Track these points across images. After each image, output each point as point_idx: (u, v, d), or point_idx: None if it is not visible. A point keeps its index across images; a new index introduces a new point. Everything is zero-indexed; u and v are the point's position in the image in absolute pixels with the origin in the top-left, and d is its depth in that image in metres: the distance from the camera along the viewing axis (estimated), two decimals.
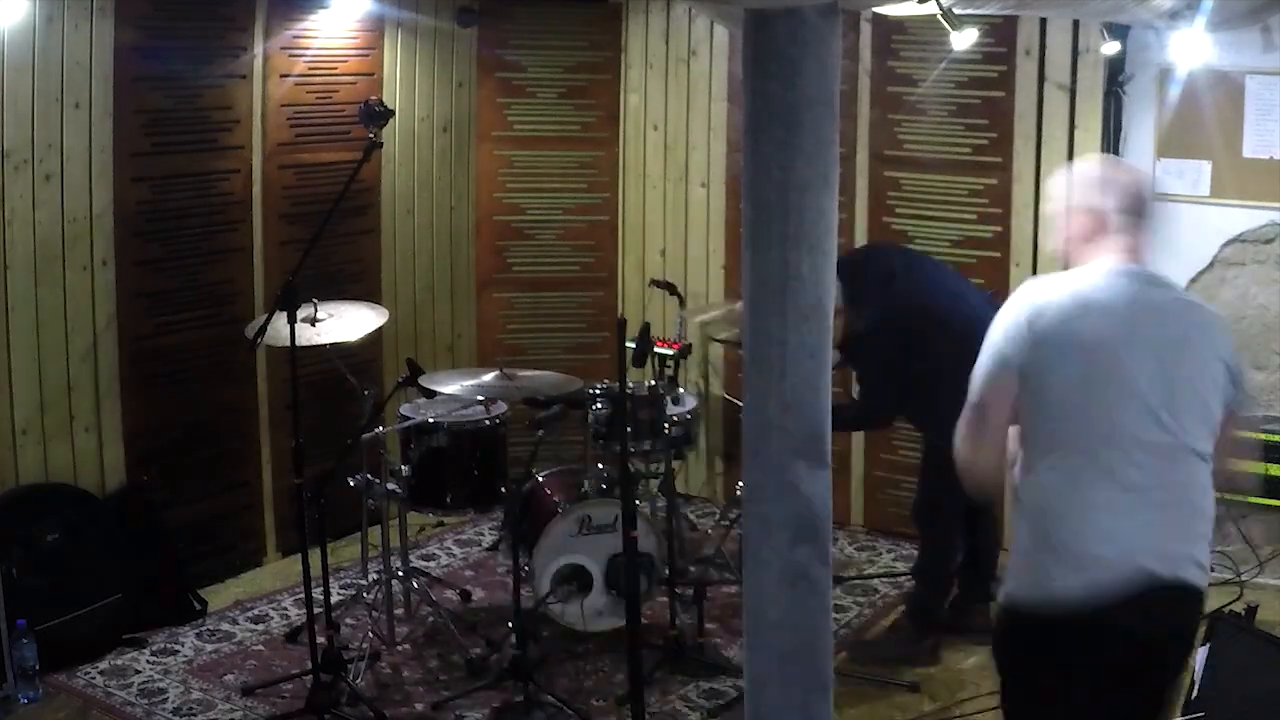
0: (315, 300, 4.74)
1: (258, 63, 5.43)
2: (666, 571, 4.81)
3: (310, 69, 5.65)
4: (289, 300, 4.19)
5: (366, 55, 5.90)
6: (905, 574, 5.37)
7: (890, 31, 5.75)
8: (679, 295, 5.57)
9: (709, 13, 5.70)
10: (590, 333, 6.57)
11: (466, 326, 6.48)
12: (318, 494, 4.29)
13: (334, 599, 4.79)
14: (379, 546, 4.96)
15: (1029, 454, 2.87)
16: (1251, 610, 4.72)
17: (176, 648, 4.89)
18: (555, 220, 6.52)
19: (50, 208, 4.82)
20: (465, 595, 5.36)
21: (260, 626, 5.10)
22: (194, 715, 4.42)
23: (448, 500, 4.90)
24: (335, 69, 5.77)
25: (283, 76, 5.54)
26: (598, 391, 5.01)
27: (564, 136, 6.51)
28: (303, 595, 4.44)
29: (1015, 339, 2.83)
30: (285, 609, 5.23)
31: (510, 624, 4.55)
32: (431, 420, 4.85)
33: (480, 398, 4.85)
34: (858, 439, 6.05)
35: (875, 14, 5.69)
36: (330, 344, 4.73)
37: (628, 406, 4.83)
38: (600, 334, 6.55)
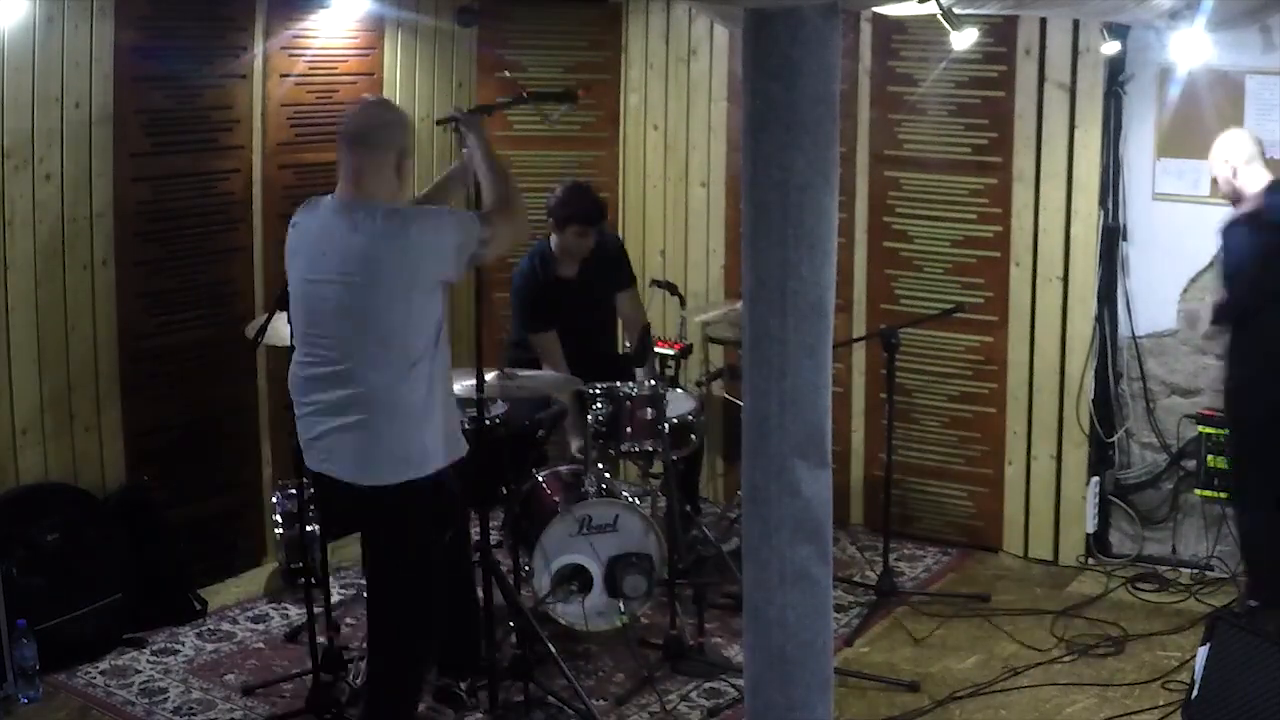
0: None
1: (258, 63, 5.43)
2: (666, 572, 4.82)
3: (310, 69, 5.65)
4: (289, 300, 4.18)
5: (366, 55, 5.90)
6: None
7: (890, 31, 5.75)
8: (679, 295, 5.57)
9: (709, 13, 5.71)
10: None
11: (467, 326, 6.48)
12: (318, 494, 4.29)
13: (334, 599, 4.79)
14: None
15: None
16: (1252, 610, 4.73)
17: (176, 648, 4.90)
18: None
19: (50, 208, 4.82)
20: None
21: (260, 626, 5.11)
22: (194, 715, 4.42)
23: None
24: (335, 69, 5.77)
25: (283, 76, 5.54)
26: (598, 391, 5.01)
27: (564, 136, 6.51)
28: (303, 595, 4.44)
29: None
30: (285, 609, 5.23)
31: (510, 624, 4.55)
32: None
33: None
34: (857, 439, 6.06)
35: (875, 14, 5.69)
36: None
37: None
38: None
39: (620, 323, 5.94)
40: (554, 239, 5.55)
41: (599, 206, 5.56)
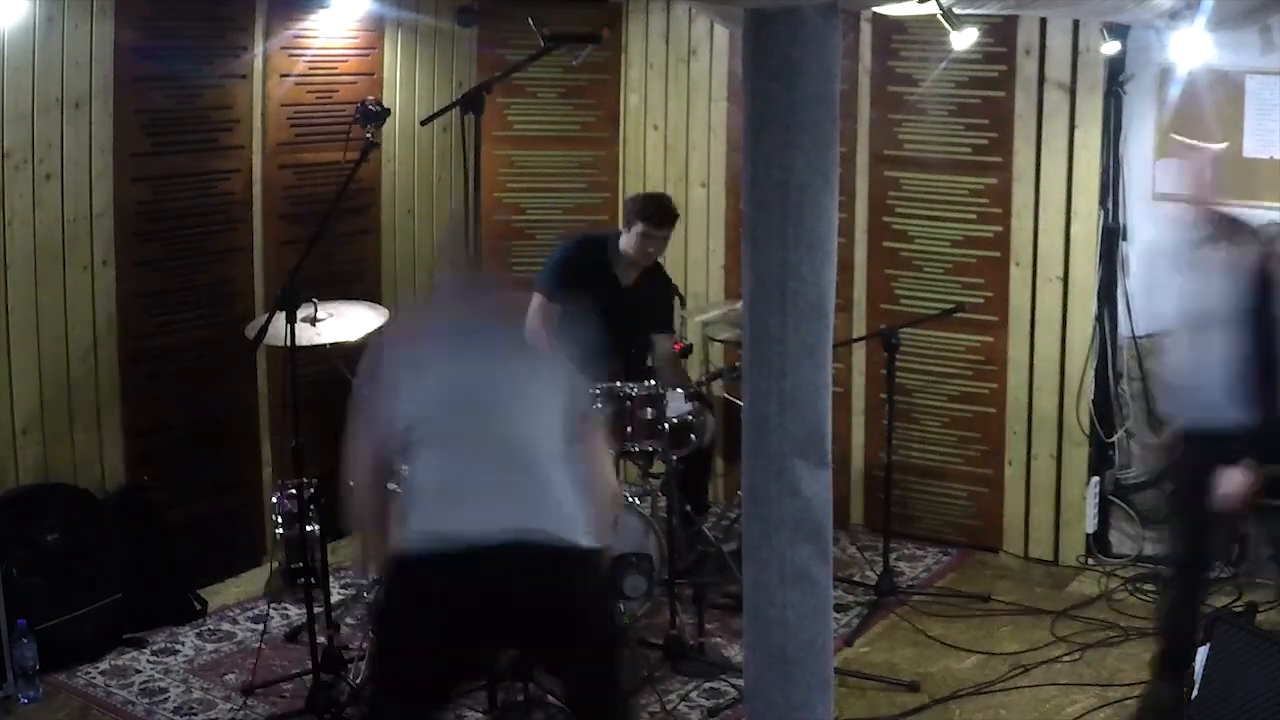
0: (315, 300, 4.74)
1: (258, 63, 5.43)
2: (666, 572, 4.81)
3: (310, 69, 5.65)
4: (289, 300, 4.19)
5: (366, 55, 5.90)
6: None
7: (890, 31, 5.75)
8: (679, 295, 5.57)
9: (709, 13, 5.71)
10: None
11: None
12: (318, 494, 4.29)
13: (334, 599, 4.79)
14: None
15: None
16: (1252, 610, 4.73)
17: (177, 648, 4.90)
18: (555, 220, 6.52)
19: (50, 208, 4.82)
20: None
21: (260, 626, 5.11)
22: (194, 715, 4.42)
23: None
24: (335, 69, 5.77)
25: (283, 76, 5.54)
26: (598, 391, 5.00)
27: (564, 136, 6.51)
28: (303, 595, 4.45)
29: None
30: (285, 609, 5.23)
31: None
32: None
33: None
34: (857, 439, 6.06)
35: (875, 14, 5.69)
36: (330, 344, 4.74)
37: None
38: None
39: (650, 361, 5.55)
40: (622, 239, 5.37)
41: (668, 213, 5.37)
